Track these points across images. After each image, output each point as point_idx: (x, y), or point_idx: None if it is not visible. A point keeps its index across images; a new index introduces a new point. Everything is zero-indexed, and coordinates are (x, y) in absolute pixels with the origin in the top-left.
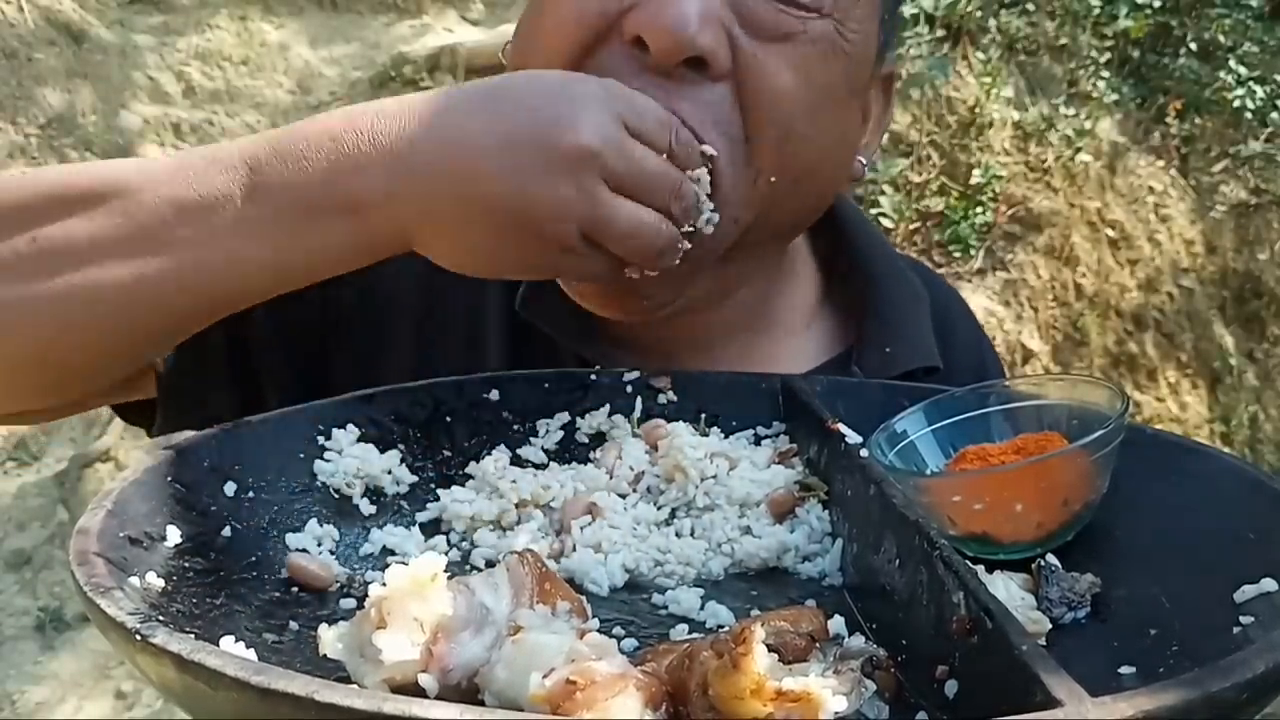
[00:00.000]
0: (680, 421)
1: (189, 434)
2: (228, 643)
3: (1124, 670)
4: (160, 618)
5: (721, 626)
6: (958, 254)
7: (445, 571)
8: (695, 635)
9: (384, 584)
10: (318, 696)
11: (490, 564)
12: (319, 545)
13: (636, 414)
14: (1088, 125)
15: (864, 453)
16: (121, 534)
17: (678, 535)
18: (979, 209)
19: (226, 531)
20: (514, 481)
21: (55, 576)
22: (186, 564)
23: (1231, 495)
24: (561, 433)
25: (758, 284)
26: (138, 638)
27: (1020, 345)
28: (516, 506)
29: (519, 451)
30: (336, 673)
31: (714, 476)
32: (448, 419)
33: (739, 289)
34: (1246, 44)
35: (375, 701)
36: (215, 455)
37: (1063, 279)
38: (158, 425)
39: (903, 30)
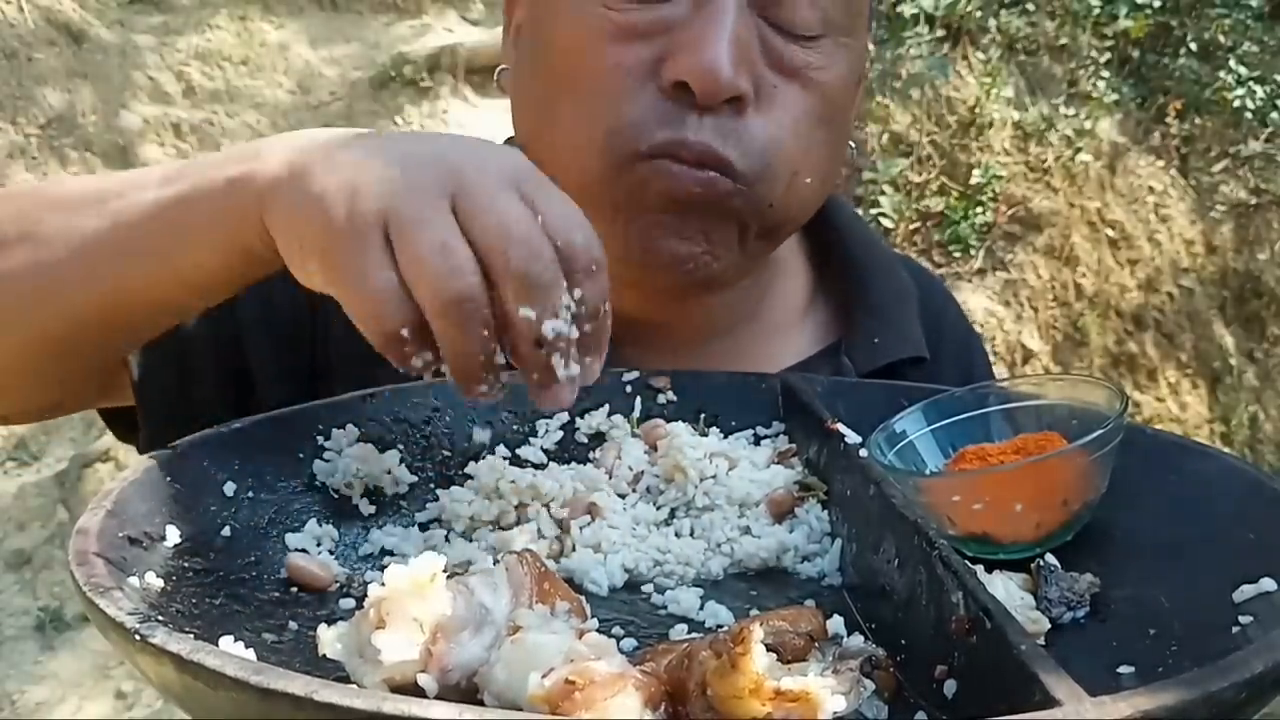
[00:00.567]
0: (680, 421)
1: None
2: (227, 643)
3: (1123, 670)
4: (160, 618)
5: (721, 626)
6: (958, 254)
7: (444, 571)
8: (695, 635)
9: (383, 584)
10: (317, 696)
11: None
12: (318, 545)
13: (636, 414)
14: (1088, 125)
15: (863, 453)
16: (121, 534)
17: (677, 535)
18: (979, 209)
19: (226, 531)
20: (513, 481)
21: (55, 576)
22: (186, 564)
23: (1231, 495)
24: (561, 433)
25: (755, 276)
26: (137, 638)
27: (1020, 345)
28: (516, 507)
29: (518, 451)
30: (336, 673)
31: (713, 476)
32: (447, 419)
33: (745, 277)
34: (1246, 44)
35: (374, 701)
36: (215, 455)
37: (1063, 279)
38: (142, 433)
39: (903, 30)
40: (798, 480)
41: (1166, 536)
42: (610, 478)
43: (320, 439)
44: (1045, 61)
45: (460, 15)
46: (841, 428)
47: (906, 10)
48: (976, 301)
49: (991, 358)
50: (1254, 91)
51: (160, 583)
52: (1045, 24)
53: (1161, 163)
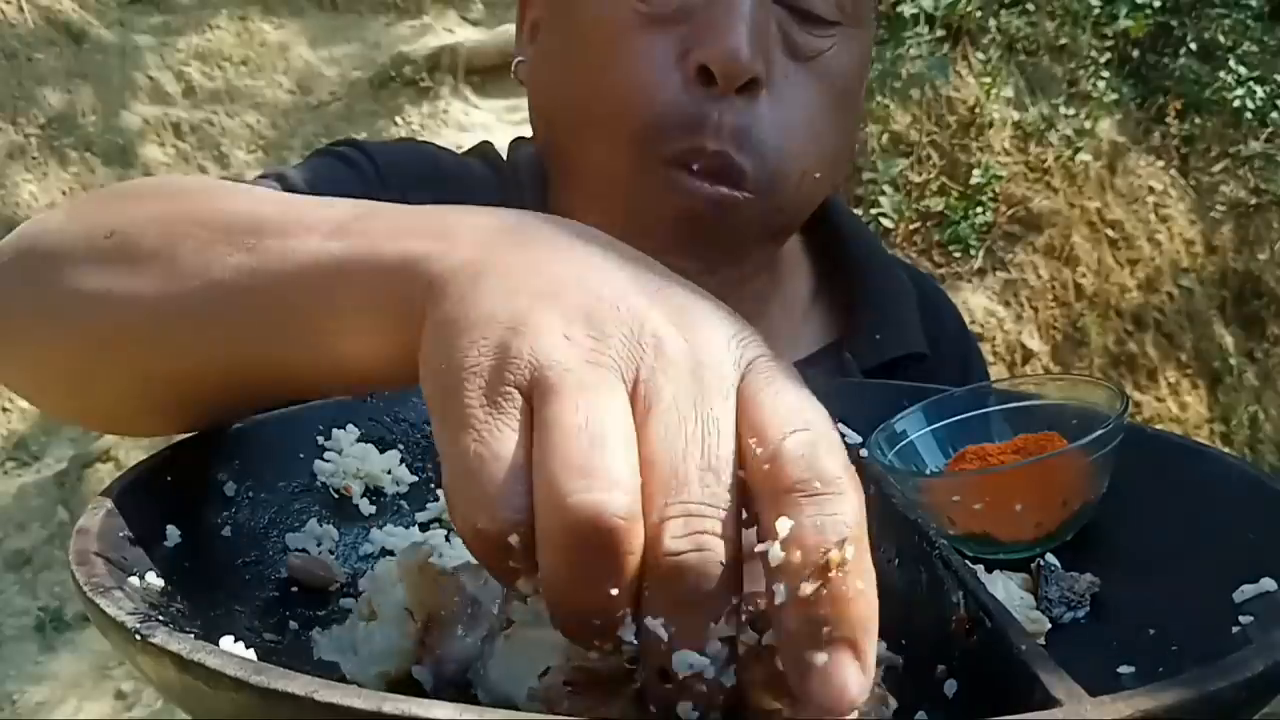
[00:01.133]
0: None
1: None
2: (228, 643)
3: (1123, 670)
4: (160, 618)
5: None
6: (958, 254)
7: (430, 561)
8: None
9: (372, 578)
10: (317, 696)
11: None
12: (318, 545)
13: None
14: (1088, 125)
15: (863, 452)
16: (121, 534)
17: None
18: (979, 209)
19: (226, 531)
20: None
21: (55, 576)
22: (186, 564)
23: (1231, 495)
24: None
25: (758, 280)
26: (138, 638)
27: (1020, 345)
28: None
29: None
30: (337, 672)
31: None
32: None
33: (751, 280)
34: (1246, 44)
35: (375, 701)
36: (215, 455)
37: (1063, 279)
38: None
39: (902, 30)
40: None
41: (1166, 536)
42: None
43: (320, 439)
44: (1045, 61)
45: (460, 15)
46: (842, 427)
47: (906, 10)
48: (976, 301)
49: (991, 358)
50: (1254, 91)
51: (160, 583)
52: (1045, 24)
53: (1161, 163)
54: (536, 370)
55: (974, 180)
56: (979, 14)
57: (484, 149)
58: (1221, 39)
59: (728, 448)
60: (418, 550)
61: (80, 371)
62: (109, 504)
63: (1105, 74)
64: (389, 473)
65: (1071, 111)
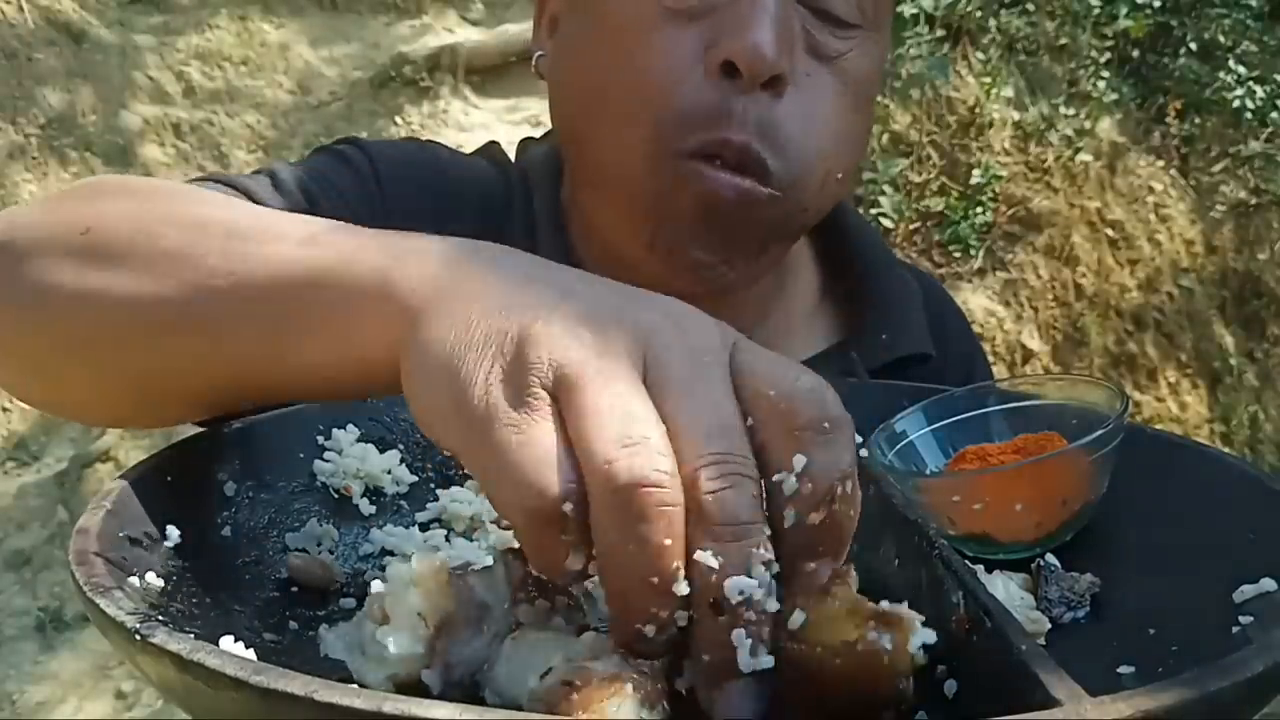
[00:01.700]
0: None
1: (190, 434)
2: (228, 643)
3: (1123, 670)
4: (160, 618)
5: None
6: (958, 254)
7: (446, 567)
8: None
9: (385, 580)
10: (318, 696)
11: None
12: (318, 545)
13: None
14: (1088, 125)
15: (863, 452)
16: (121, 534)
17: None
18: (979, 209)
19: (226, 531)
20: None
21: (55, 576)
22: (186, 564)
23: (1231, 495)
24: None
25: (768, 279)
26: (138, 638)
27: (1020, 345)
28: None
29: None
30: (337, 673)
31: None
32: None
33: (763, 276)
34: (1246, 44)
35: (375, 701)
36: (215, 455)
37: (1063, 279)
38: None
39: (903, 30)
40: None
41: (1167, 536)
42: None
43: (320, 439)
44: (1045, 61)
45: (460, 15)
46: None
47: (906, 10)
48: (976, 301)
49: (991, 358)
50: (1254, 91)
51: (160, 583)
52: (1045, 24)
53: (1161, 163)
54: (558, 370)
55: (974, 180)
56: (979, 14)
57: (491, 150)
58: (1221, 39)
59: (732, 409)
60: (434, 556)
61: (50, 364)
62: (109, 504)
63: (1105, 74)
64: (389, 473)
65: (1071, 111)
